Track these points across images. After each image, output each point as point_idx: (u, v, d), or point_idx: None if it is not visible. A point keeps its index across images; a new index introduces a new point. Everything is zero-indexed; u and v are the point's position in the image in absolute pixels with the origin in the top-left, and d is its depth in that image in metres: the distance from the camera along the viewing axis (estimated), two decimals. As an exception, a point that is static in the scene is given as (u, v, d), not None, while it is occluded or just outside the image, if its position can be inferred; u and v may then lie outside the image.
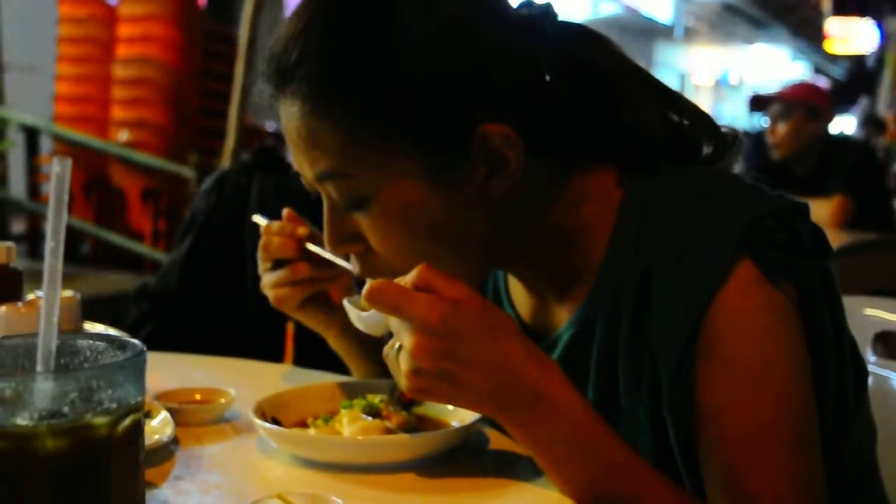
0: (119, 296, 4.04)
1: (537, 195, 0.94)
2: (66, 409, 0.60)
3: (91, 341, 0.69)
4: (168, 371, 1.23)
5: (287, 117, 0.90)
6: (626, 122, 0.93)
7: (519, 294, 1.07)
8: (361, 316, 0.94)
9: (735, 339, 0.83)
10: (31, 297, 1.11)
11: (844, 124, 15.56)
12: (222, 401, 1.09)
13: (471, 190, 0.90)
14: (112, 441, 0.62)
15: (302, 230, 1.13)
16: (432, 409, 1.03)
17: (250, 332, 2.10)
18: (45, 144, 6.69)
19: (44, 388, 0.60)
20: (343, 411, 1.00)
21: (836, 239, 3.20)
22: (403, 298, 0.80)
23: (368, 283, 0.81)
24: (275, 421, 0.99)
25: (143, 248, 5.90)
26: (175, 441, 0.98)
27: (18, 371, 0.67)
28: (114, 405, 0.62)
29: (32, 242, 6.33)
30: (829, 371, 0.87)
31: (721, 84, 24.45)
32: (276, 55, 0.89)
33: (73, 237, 5.97)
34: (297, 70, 0.87)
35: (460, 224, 0.91)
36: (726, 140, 0.97)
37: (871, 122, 11.27)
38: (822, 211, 3.59)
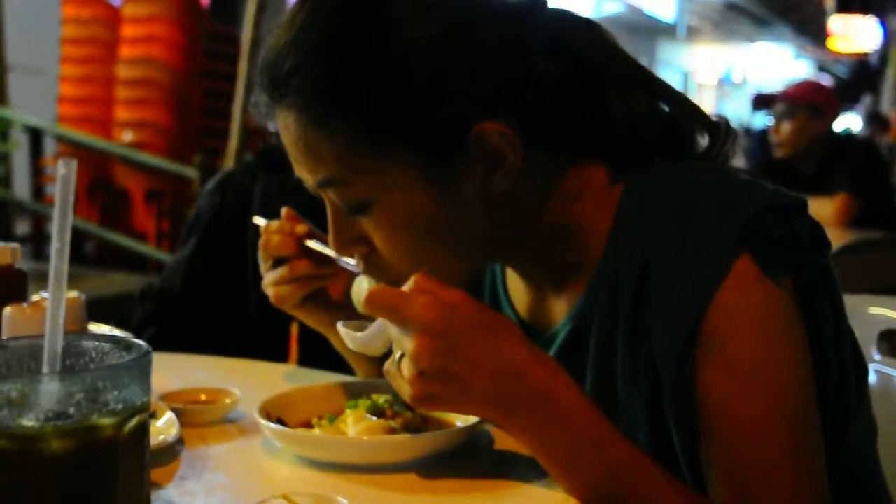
0: (123, 296, 4.05)
1: (535, 190, 0.94)
2: (72, 411, 0.60)
3: (96, 342, 0.69)
4: (173, 371, 1.23)
5: (284, 127, 0.91)
6: (616, 110, 0.93)
7: (517, 290, 1.07)
8: (356, 337, 0.94)
9: (735, 334, 0.83)
10: (35, 298, 1.11)
11: (848, 122, 15.53)
12: (227, 401, 1.09)
13: (470, 189, 0.90)
14: (118, 442, 0.63)
15: (300, 228, 1.14)
16: (437, 408, 1.03)
17: (255, 333, 2.10)
18: (49, 146, 6.69)
19: (50, 390, 0.60)
20: (348, 411, 1.00)
21: (841, 237, 3.21)
22: (401, 300, 0.80)
23: (367, 291, 0.82)
24: (279, 421, 0.99)
25: (147, 249, 5.90)
26: (180, 441, 0.98)
27: (24, 372, 0.67)
28: (120, 406, 0.62)
29: (37, 244, 6.34)
30: (829, 366, 0.87)
31: (724, 82, 24.43)
32: (269, 65, 0.89)
33: (78, 238, 5.95)
34: (291, 81, 0.87)
35: (461, 223, 0.91)
36: (718, 129, 0.96)
37: (875, 120, 11.27)
38: (826, 209, 3.59)
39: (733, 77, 24.52)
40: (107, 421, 0.62)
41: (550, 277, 0.99)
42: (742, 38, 20.91)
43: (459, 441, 0.94)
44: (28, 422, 0.60)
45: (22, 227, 6.63)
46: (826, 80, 21.60)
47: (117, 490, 0.63)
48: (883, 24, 23.57)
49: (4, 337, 1.01)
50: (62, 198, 0.64)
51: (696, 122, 0.96)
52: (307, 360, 1.62)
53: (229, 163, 5.01)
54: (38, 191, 6.57)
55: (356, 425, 0.96)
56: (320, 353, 1.31)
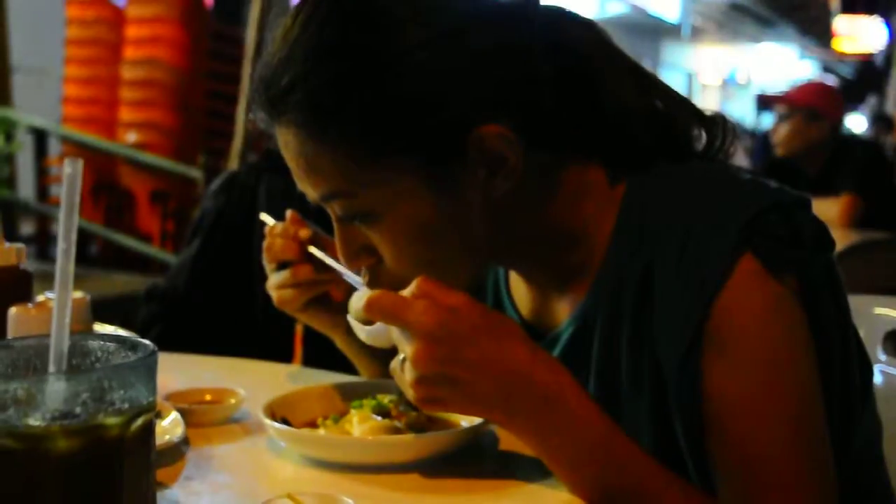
0: (128, 297, 4.05)
1: (537, 193, 0.93)
2: (78, 410, 0.60)
3: (102, 342, 0.69)
4: (178, 371, 1.23)
5: (284, 143, 0.90)
6: (611, 109, 0.93)
7: (520, 291, 1.07)
8: (366, 329, 0.95)
9: (739, 334, 0.83)
10: (41, 298, 1.11)
11: (853, 123, 15.51)
12: (232, 401, 1.09)
13: (473, 193, 0.90)
14: (124, 441, 0.63)
15: (304, 233, 1.14)
16: (442, 408, 1.03)
17: (260, 333, 2.10)
18: (54, 146, 6.71)
19: (56, 389, 0.60)
20: (353, 411, 1.00)
21: (846, 238, 3.20)
22: (400, 306, 0.81)
23: (368, 296, 0.82)
24: (284, 421, 0.99)
25: (152, 250, 5.91)
26: (185, 441, 0.98)
27: (30, 372, 0.67)
28: (126, 406, 0.62)
29: (41, 244, 6.35)
30: (834, 365, 0.87)
31: (728, 83, 24.40)
32: (265, 82, 0.89)
33: (82, 238, 5.98)
34: (288, 98, 0.87)
35: (466, 229, 0.91)
36: (714, 124, 0.96)
37: (880, 121, 11.25)
38: (831, 210, 3.59)
39: (738, 78, 24.48)
40: (113, 420, 0.62)
41: (553, 279, 0.99)
42: (746, 38, 20.88)
43: (464, 441, 0.94)
44: (34, 421, 0.60)
45: (26, 227, 6.64)
46: (831, 81, 21.59)
47: (123, 489, 0.63)
48: (888, 24, 23.51)
49: (10, 336, 1.01)
50: (68, 198, 0.64)
51: (690, 119, 0.96)
52: (312, 361, 1.61)
53: (233, 164, 5.00)
54: (43, 192, 6.58)
55: (361, 425, 0.96)
56: (325, 354, 1.31)
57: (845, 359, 0.89)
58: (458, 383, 0.80)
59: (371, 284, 0.96)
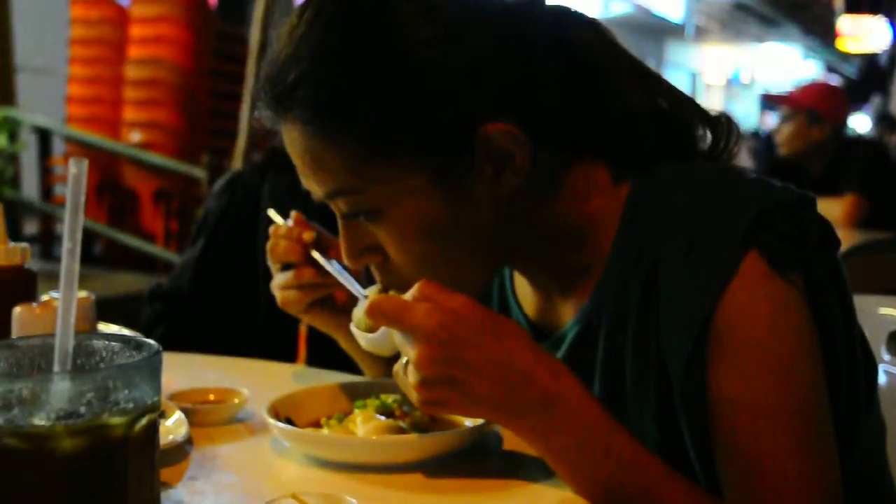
0: (131, 296, 4.06)
1: (542, 191, 0.93)
2: (83, 410, 0.61)
3: (107, 342, 0.69)
4: (181, 371, 1.23)
5: (290, 141, 0.90)
6: (615, 107, 0.93)
7: (525, 292, 1.07)
8: (368, 337, 0.95)
9: (745, 332, 0.83)
10: (45, 297, 1.11)
11: (857, 123, 15.48)
12: (236, 401, 1.09)
13: (480, 191, 0.90)
14: (129, 441, 0.63)
15: (307, 235, 1.14)
16: (445, 408, 1.03)
17: (263, 333, 2.10)
18: (58, 146, 6.71)
19: (61, 389, 0.60)
20: (357, 411, 1.00)
21: (850, 238, 3.20)
22: (402, 310, 0.81)
23: (369, 300, 0.82)
24: (288, 421, 1.00)
25: (156, 249, 5.92)
26: (189, 441, 0.98)
27: (35, 371, 0.67)
28: (130, 405, 0.62)
29: (45, 244, 6.35)
30: (840, 365, 0.87)
31: (732, 83, 24.38)
32: (271, 80, 0.88)
33: (86, 238, 5.90)
34: (294, 94, 0.87)
35: (473, 227, 0.91)
36: (719, 123, 0.96)
37: (884, 121, 11.23)
38: (834, 210, 3.58)
39: (742, 77, 24.46)
40: (117, 420, 0.62)
41: (558, 279, 0.99)
42: (750, 38, 20.86)
43: (468, 441, 0.94)
44: (39, 421, 0.60)
45: (30, 227, 6.64)
46: (835, 81, 21.56)
47: (128, 489, 0.63)
48: (892, 24, 23.48)
49: (14, 336, 1.02)
50: (73, 197, 0.64)
51: (695, 119, 0.96)
52: (316, 360, 1.62)
53: (237, 163, 5.02)
54: (47, 191, 6.59)
55: (365, 425, 0.97)
56: (329, 353, 1.31)
57: (851, 358, 0.89)
58: (461, 385, 0.80)
59: (384, 281, 0.96)
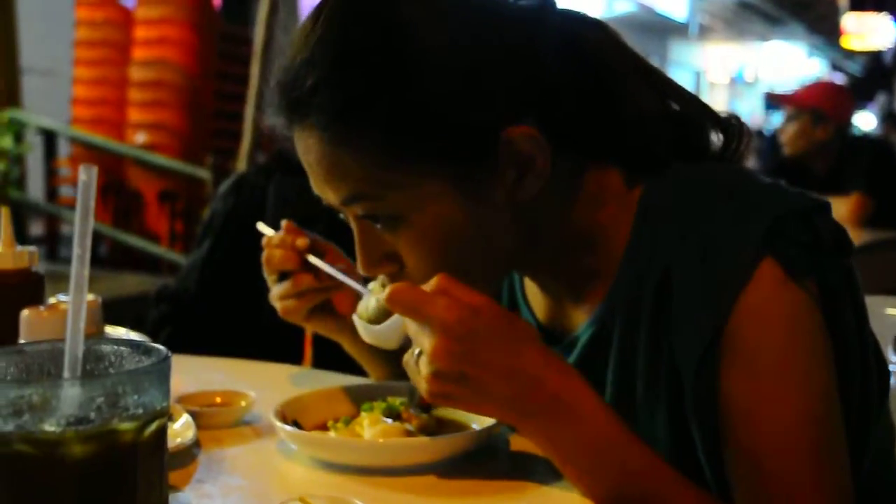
0: (136, 297, 4.07)
1: (559, 196, 0.93)
2: (93, 415, 0.61)
3: (115, 346, 0.69)
4: (188, 374, 1.24)
5: (305, 148, 0.89)
6: (627, 111, 0.93)
7: (536, 295, 1.07)
8: (372, 330, 0.94)
9: (759, 338, 0.82)
10: (52, 300, 1.11)
11: (862, 121, 15.44)
12: (242, 403, 1.09)
13: (500, 196, 0.89)
14: (138, 446, 0.63)
15: (301, 242, 1.14)
16: (452, 411, 1.03)
17: (269, 335, 2.10)
18: (63, 147, 6.73)
19: (71, 395, 0.61)
20: (363, 414, 1.00)
21: (855, 237, 3.17)
22: (422, 300, 0.80)
23: (389, 288, 0.82)
24: (295, 424, 1.00)
25: (160, 250, 5.93)
26: (196, 444, 0.98)
27: (45, 377, 0.67)
28: (140, 411, 0.63)
29: (51, 245, 6.37)
30: (852, 369, 0.87)
31: (736, 81, 24.32)
32: (286, 86, 0.87)
33: (92, 239, 5.98)
34: (312, 100, 0.85)
35: (491, 233, 0.90)
36: (730, 125, 0.96)
37: (889, 119, 11.20)
38: (840, 209, 3.56)
39: (746, 76, 24.40)
40: (127, 426, 0.62)
41: (570, 284, 0.99)
42: (755, 36, 20.81)
43: (475, 444, 0.94)
44: (50, 427, 0.60)
45: (36, 228, 6.66)
46: (839, 79, 21.51)
47: (137, 494, 0.64)
48: (897, 21, 23.43)
49: (22, 339, 1.02)
50: (83, 204, 0.65)
51: (707, 121, 0.96)
52: (322, 363, 1.61)
53: (242, 164, 5.02)
54: (52, 192, 6.61)
55: (372, 428, 0.97)
56: (335, 356, 1.31)
57: (863, 363, 0.89)
58: (472, 382, 0.80)
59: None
